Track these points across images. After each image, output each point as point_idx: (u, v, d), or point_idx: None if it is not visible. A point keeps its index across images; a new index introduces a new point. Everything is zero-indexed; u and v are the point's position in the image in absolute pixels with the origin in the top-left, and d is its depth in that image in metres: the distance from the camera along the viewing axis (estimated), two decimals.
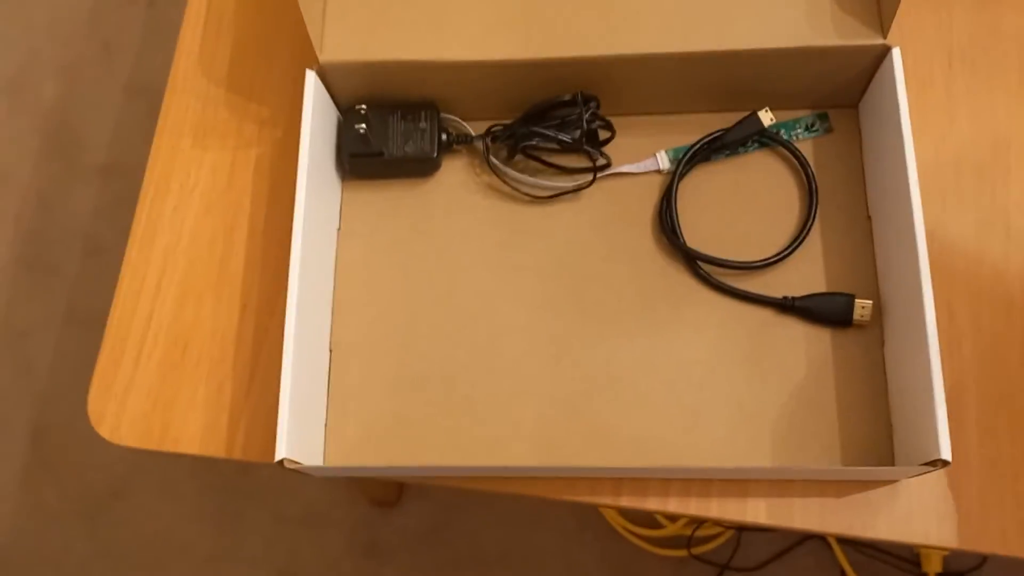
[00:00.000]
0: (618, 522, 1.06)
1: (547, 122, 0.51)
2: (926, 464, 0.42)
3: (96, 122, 1.27)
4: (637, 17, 0.49)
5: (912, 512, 0.46)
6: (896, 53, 0.47)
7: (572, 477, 0.48)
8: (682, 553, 1.07)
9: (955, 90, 0.52)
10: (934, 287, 0.45)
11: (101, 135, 1.26)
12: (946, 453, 0.40)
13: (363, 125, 0.51)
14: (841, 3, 0.48)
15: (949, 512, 0.46)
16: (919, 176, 0.46)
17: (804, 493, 0.47)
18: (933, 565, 1.00)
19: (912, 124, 0.47)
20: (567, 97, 0.50)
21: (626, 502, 0.48)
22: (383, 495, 1.09)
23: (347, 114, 0.52)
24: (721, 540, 1.06)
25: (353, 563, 1.10)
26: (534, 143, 0.51)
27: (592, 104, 0.51)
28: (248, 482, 1.13)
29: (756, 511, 0.47)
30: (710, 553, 1.07)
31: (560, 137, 0.50)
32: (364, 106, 0.51)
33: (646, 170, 0.53)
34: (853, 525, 0.46)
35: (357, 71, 0.51)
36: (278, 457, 0.43)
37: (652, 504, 0.48)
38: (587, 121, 0.50)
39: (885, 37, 0.47)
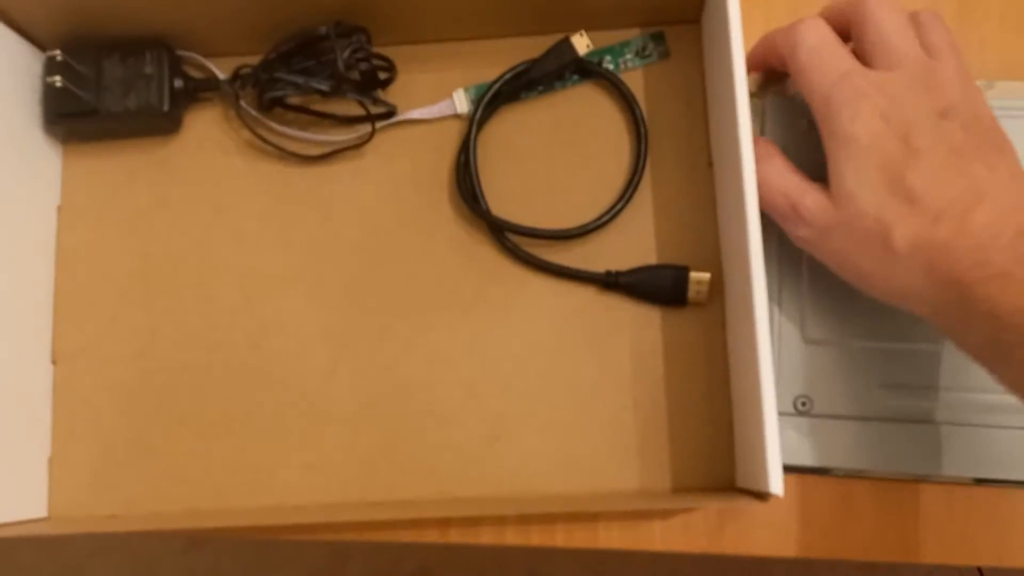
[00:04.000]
0: None
1: (305, 61, 0.40)
2: (754, 495, 0.33)
3: None
4: None
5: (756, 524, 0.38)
6: None
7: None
8: None
9: None
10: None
11: None
12: (776, 487, 0.32)
13: (57, 77, 0.39)
14: None
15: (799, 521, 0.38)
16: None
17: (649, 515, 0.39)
18: None
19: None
20: (322, 30, 0.39)
21: (456, 537, 0.40)
22: None
23: (47, 63, 0.40)
24: None
25: None
26: (284, 93, 0.40)
27: (356, 38, 0.39)
28: None
29: (609, 536, 0.39)
30: None
31: (313, 85, 0.39)
32: (58, 52, 0.39)
33: (441, 115, 0.42)
34: (698, 542, 0.39)
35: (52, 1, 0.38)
36: None
37: (486, 537, 0.40)
38: (345, 64, 0.38)
39: None
